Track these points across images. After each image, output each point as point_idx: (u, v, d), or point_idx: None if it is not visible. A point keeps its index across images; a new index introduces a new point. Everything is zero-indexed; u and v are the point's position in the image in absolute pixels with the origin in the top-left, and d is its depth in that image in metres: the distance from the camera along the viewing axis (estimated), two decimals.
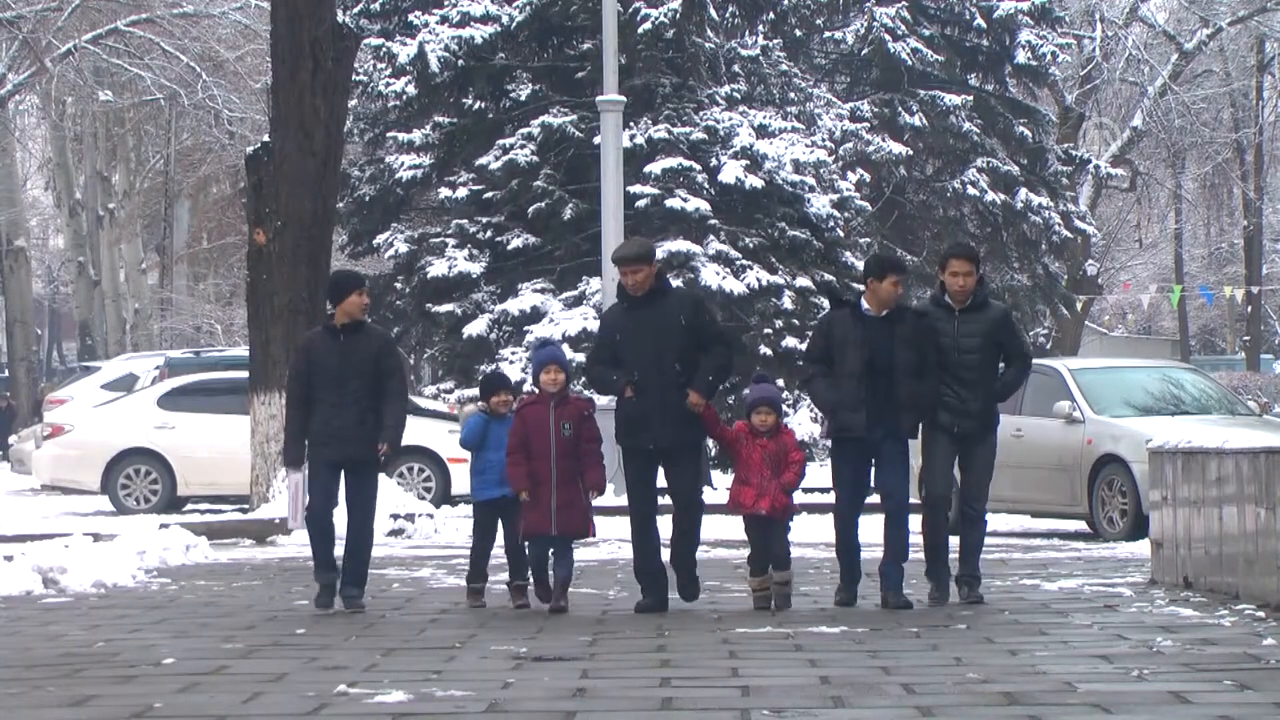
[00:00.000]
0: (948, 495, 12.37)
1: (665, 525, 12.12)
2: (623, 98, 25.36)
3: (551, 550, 12.08)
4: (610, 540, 16.74)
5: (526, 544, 12.16)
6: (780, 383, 28.84)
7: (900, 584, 12.07)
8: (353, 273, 12.96)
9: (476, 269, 31.36)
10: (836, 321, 12.26)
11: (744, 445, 12.04)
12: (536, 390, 12.25)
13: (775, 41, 35.29)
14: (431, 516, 20.20)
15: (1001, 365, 12.44)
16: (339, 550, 12.42)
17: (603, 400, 14.52)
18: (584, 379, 15.05)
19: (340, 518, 12.44)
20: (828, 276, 30.41)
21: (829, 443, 12.79)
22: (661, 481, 12.15)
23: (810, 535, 18.19)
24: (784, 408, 13.75)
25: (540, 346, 12.74)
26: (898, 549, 12.12)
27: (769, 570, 12.04)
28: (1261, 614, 11.19)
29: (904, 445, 12.16)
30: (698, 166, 30.70)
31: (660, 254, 27.37)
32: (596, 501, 12.23)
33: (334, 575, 12.33)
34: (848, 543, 12.21)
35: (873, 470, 12.18)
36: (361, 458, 12.26)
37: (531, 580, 12.25)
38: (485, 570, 12.55)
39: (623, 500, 12.58)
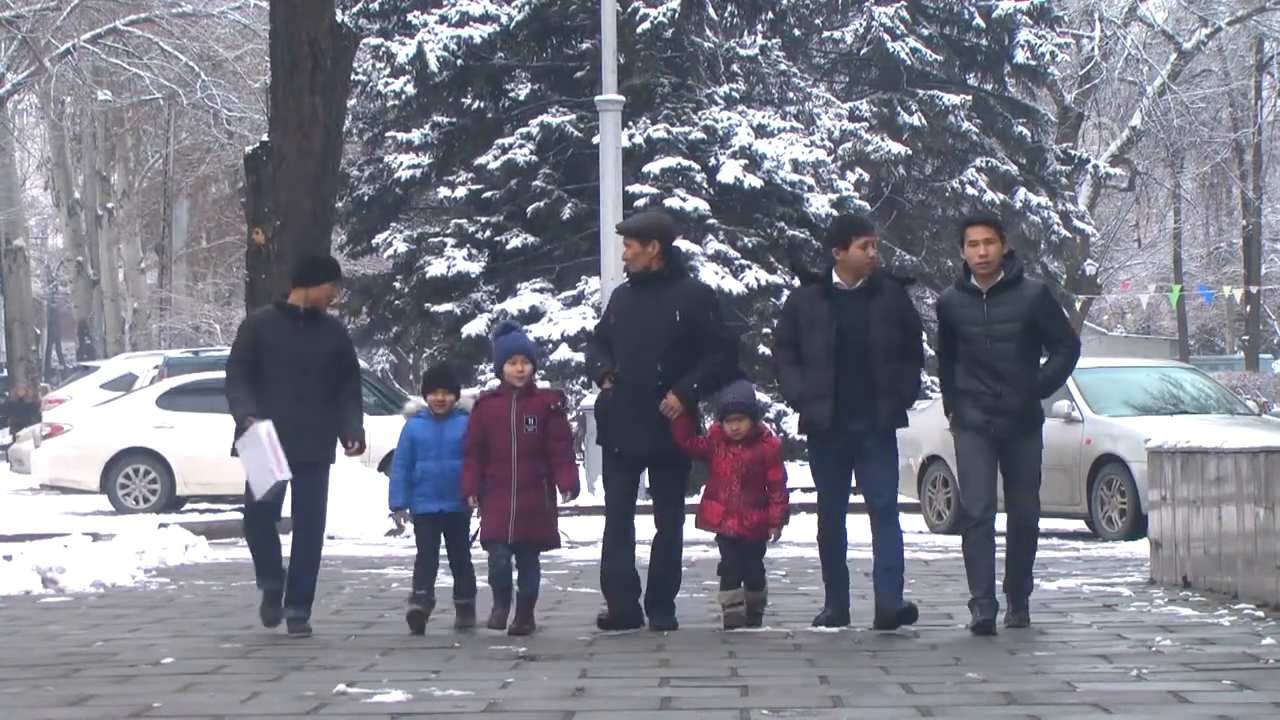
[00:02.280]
0: (989, 519, 10.65)
1: (646, 526, 11.28)
2: (621, 97, 25.36)
3: (515, 563, 10.77)
4: None
5: (485, 549, 10.82)
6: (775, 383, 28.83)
7: (898, 590, 10.80)
8: (332, 260, 11.80)
9: (475, 268, 31.33)
10: (803, 299, 10.81)
11: (715, 454, 10.79)
12: (499, 380, 10.82)
13: (774, 41, 35.24)
14: None
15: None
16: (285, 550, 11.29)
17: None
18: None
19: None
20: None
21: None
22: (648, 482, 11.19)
23: (810, 535, 18.16)
24: (784, 408, 13.42)
25: (503, 333, 11.07)
26: (890, 556, 10.78)
27: (741, 585, 10.96)
28: (1260, 613, 11.19)
29: (889, 438, 10.79)
30: (696, 166, 30.67)
31: None
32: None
33: (280, 582, 11.09)
34: (834, 553, 10.99)
35: (856, 469, 10.84)
36: (318, 458, 10.98)
37: (493, 599, 10.93)
38: (428, 591, 11.06)
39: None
